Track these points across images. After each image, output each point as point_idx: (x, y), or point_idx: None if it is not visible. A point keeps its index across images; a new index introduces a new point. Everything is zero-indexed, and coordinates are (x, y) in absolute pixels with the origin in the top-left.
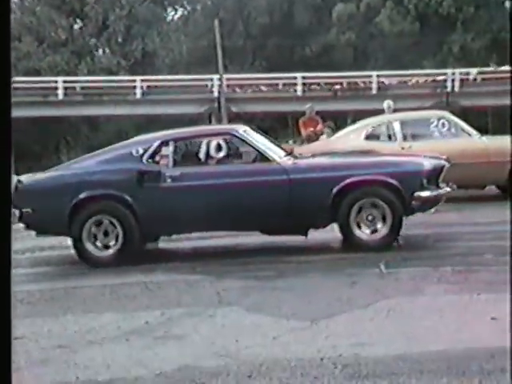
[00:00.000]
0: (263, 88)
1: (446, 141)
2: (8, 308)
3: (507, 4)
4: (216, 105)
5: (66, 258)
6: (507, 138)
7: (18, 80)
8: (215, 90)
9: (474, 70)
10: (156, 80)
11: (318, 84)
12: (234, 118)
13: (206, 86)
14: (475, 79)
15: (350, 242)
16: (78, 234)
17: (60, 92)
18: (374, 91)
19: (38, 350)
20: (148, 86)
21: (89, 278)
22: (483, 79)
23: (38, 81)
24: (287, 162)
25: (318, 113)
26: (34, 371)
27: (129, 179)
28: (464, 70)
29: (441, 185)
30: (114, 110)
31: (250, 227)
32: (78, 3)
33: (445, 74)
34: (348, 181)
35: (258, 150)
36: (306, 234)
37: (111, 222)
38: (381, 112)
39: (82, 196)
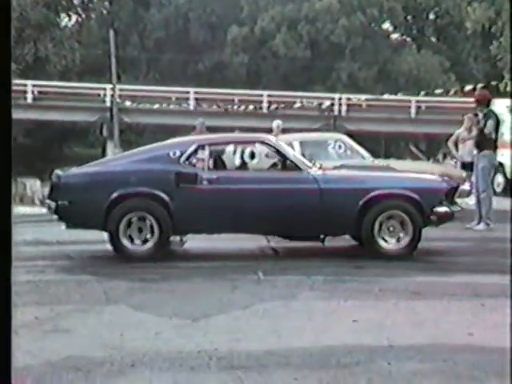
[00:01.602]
0: (156, 100)
1: (341, 161)
2: (8, 308)
3: (393, 36)
4: (108, 114)
5: None
6: (396, 161)
7: None
8: (108, 99)
9: (361, 97)
10: (48, 86)
11: (210, 100)
12: (126, 129)
13: (99, 95)
14: (361, 105)
15: (372, 251)
16: (114, 229)
17: None
18: (265, 110)
19: None
20: (39, 92)
21: None
22: (368, 106)
23: None
24: (317, 171)
25: (208, 128)
26: None
27: (167, 179)
28: (351, 96)
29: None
30: None
31: (276, 232)
32: None
33: (332, 98)
34: (374, 193)
35: (290, 159)
36: (323, 242)
37: (147, 219)
38: (270, 131)
39: (120, 192)
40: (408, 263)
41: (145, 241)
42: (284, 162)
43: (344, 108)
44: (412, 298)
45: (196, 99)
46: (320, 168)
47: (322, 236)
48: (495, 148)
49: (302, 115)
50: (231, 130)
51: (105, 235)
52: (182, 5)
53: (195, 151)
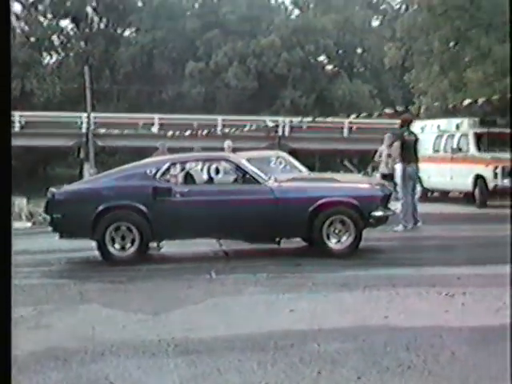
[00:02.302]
0: (126, 126)
1: (283, 175)
2: (8, 308)
3: (328, 67)
4: (84, 139)
5: None
6: (333, 174)
7: None
8: (84, 126)
9: (304, 120)
10: (32, 116)
11: (171, 124)
12: (100, 152)
13: (76, 122)
14: (301, 127)
15: (321, 251)
16: (101, 238)
17: None
18: (219, 132)
19: None
20: (26, 122)
21: None
22: (308, 127)
23: None
24: (273, 184)
25: (170, 149)
26: None
27: (145, 193)
28: (293, 119)
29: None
30: None
31: (240, 236)
32: None
33: (277, 121)
34: (321, 201)
35: (249, 174)
36: (279, 244)
37: (129, 228)
38: (222, 150)
39: (105, 205)
40: (339, 260)
41: (128, 247)
42: (244, 176)
43: (287, 129)
44: (339, 290)
45: (160, 124)
46: (275, 181)
47: (277, 239)
48: (416, 161)
49: (251, 136)
50: (191, 150)
51: (83, 244)
52: (146, 43)
53: (168, 168)
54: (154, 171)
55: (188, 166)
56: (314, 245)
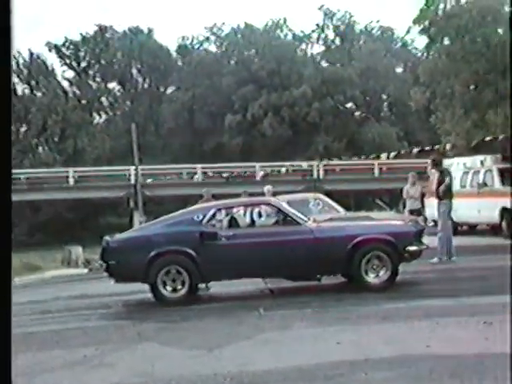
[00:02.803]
0: (171, 176)
1: (321, 215)
2: (8, 309)
3: (357, 114)
4: (133, 190)
5: None
6: (367, 213)
7: None
8: (132, 178)
9: (335, 162)
10: (85, 171)
11: (214, 173)
12: (148, 201)
13: (125, 175)
14: (334, 169)
15: (359, 286)
16: (153, 281)
17: None
18: (258, 178)
19: None
20: (79, 176)
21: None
22: (341, 170)
23: None
24: (312, 224)
25: (213, 196)
26: None
27: (193, 238)
28: (326, 163)
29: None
30: (52, 195)
31: (282, 275)
32: (23, 111)
33: (312, 165)
34: (359, 239)
35: (289, 216)
36: (320, 280)
37: (179, 271)
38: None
39: (157, 251)
40: (378, 294)
41: (179, 289)
42: (284, 218)
43: (321, 172)
44: (382, 322)
45: (203, 173)
46: (314, 221)
47: (318, 276)
48: (451, 197)
49: (288, 180)
50: (232, 195)
51: (138, 287)
52: (187, 100)
53: (214, 214)
54: (200, 217)
55: (232, 211)
56: (353, 280)
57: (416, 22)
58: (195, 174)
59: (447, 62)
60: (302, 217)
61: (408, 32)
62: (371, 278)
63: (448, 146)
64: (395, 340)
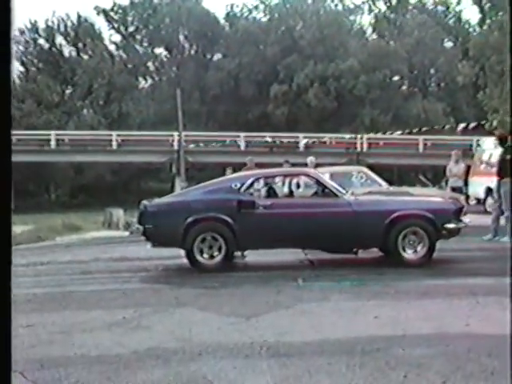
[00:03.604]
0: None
1: (363, 189)
2: (8, 309)
3: (403, 88)
4: (176, 156)
5: None
6: (409, 188)
7: (19, 133)
8: (175, 144)
9: (377, 136)
10: (128, 135)
11: (258, 141)
12: (190, 167)
13: (168, 140)
14: (378, 143)
15: (396, 261)
16: (190, 247)
17: (52, 143)
18: (301, 149)
19: (47, 334)
20: (122, 140)
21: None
22: (385, 143)
23: (35, 134)
24: (350, 197)
25: (257, 164)
26: (44, 351)
27: (230, 206)
28: (371, 136)
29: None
30: (94, 157)
31: (318, 247)
32: (69, 73)
33: (355, 138)
34: (396, 214)
35: (328, 188)
36: (356, 254)
37: (215, 238)
38: (306, 165)
39: (194, 217)
40: (418, 270)
41: (214, 256)
42: (323, 190)
43: (365, 146)
44: (421, 298)
45: (246, 141)
46: (352, 194)
47: (355, 249)
48: None
49: (331, 152)
50: (275, 165)
51: (176, 252)
52: (233, 68)
53: (252, 183)
54: (238, 185)
55: (271, 180)
56: (389, 255)
57: None
58: (239, 142)
59: (499, 37)
60: (341, 189)
61: (459, 3)
62: (408, 253)
63: (495, 123)
64: (434, 317)
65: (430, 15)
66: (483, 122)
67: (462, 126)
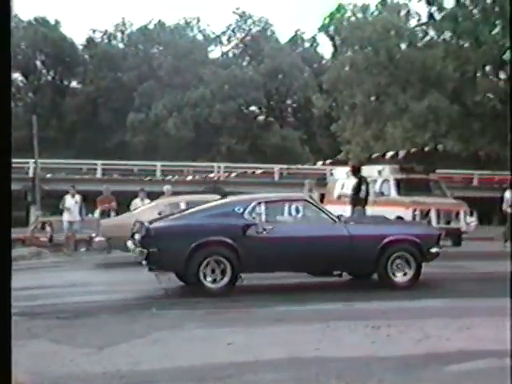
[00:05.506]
0: (71, 172)
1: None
2: (8, 308)
3: (260, 118)
4: (31, 184)
5: None
6: None
7: None
8: (31, 171)
9: (235, 165)
10: None
11: (114, 170)
12: (46, 195)
13: (23, 168)
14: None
15: (386, 284)
16: (195, 271)
17: None
18: (159, 177)
19: None
20: None
21: None
22: (243, 173)
23: None
24: (348, 223)
25: (112, 192)
26: None
27: (235, 230)
28: (227, 165)
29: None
30: None
31: (317, 270)
32: None
33: (212, 166)
34: (388, 239)
35: (325, 213)
36: (341, 276)
37: (221, 262)
38: (162, 194)
39: (200, 241)
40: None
41: (219, 279)
42: (319, 216)
43: (222, 174)
44: (274, 324)
45: (103, 169)
46: (348, 220)
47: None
48: (365, 204)
49: (189, 180)
50: (131, 193)
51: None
52: (90, 93)
53: (254, 207)
54: (241, 209)
55: (271, 205)
56: (379, 278)
57: (321, 29)
58: (96, 169)
59: (350, 72)
60: (334, 215)
61: (314, 40)
62: (396, 277)
63: (350, 155)
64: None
65: (287, 44)
66: (338, 156)
67: (319, 163)
